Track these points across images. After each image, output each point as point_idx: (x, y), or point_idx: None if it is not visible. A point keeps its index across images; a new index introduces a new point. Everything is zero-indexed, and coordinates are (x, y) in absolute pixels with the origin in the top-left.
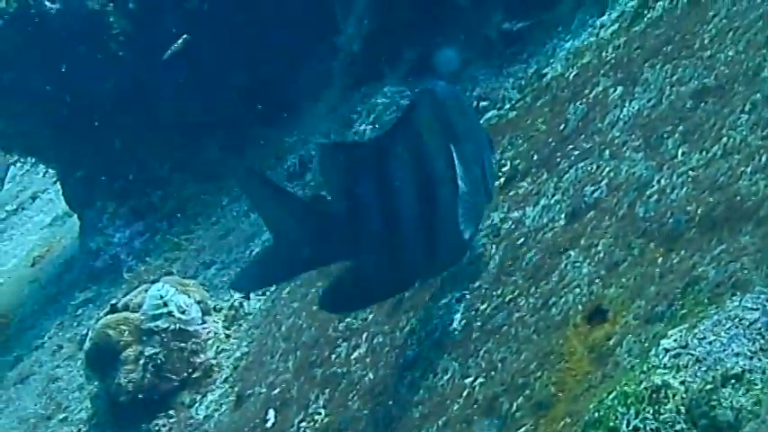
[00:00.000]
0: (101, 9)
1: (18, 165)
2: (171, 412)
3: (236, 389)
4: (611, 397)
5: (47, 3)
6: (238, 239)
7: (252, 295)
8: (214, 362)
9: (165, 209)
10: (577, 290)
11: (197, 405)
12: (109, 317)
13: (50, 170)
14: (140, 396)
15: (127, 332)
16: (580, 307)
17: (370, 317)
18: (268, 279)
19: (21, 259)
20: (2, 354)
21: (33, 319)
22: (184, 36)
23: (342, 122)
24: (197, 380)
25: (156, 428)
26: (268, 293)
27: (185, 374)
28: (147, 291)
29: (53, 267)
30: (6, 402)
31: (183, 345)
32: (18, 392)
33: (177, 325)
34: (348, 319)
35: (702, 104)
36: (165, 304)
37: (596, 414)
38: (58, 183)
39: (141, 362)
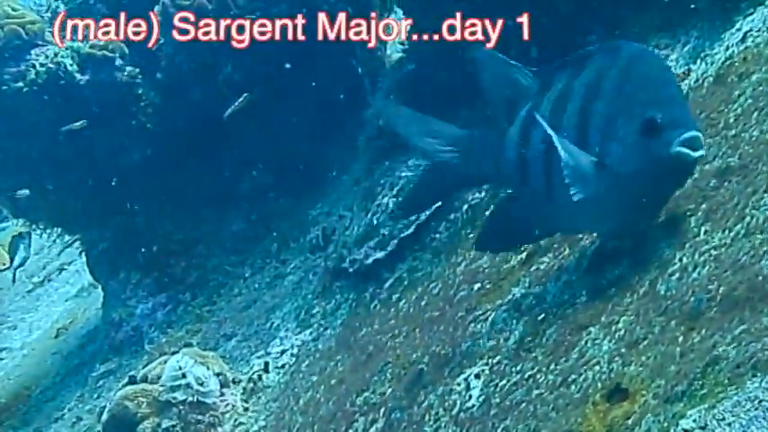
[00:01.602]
0: (130, 80)
1: (45, 236)
2: None
3: None
4: None
5: (76, 75)
6: (259, 311)
7: (271, 368)
8: None
9: (189, 280)
10: (597, 367)
11: None
12: (127, 388)
13: (76, 242)
14: None
15: (145, 404)
16: (599, 385)
17: (389, 391)
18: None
19: (45, 330)
20: (21, 426)
21: (54, 391)
22: (246, 95)
23: (365, 195)
24: None
25: None
26: (287, 367)
27: None
28: (166, 362)
29: (76, 339)
30: None
31: (200, 417)
32: None
33: (195, 397)
34: (366, 394)
35: (726, 183)
36: (184, 376)
37: None
38: (83, 254)
39: None
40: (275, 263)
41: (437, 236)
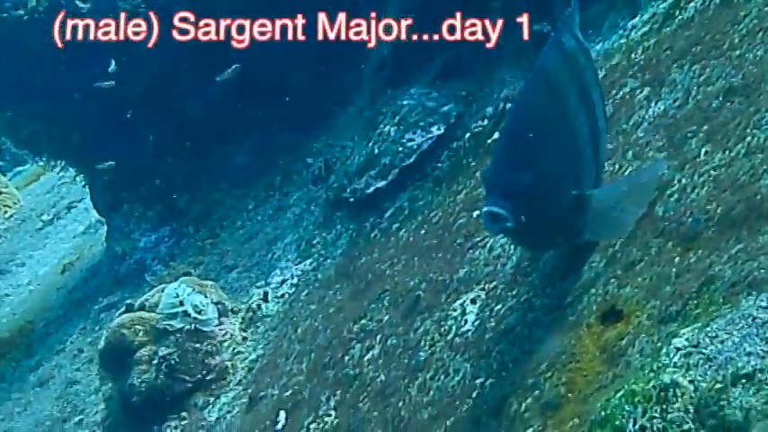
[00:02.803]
0: (132, 9)
1: (53, 172)
2: (183, 414)
3: (249, 391)
4: (618, 396)
5: (78, 2)
6: (261, 243)
7: (270, 297)
8: (229, 364)
9: (192, 213)
10: (593, 290)
11: (210, 407)
12: (124, 316)
13: (80, 175)
14: (153, 397)
15: (142, 332)
16: (594, 307)
17: (385, 318)
18: None
19: (52, 267)
20: (24, 358)
21: (57, 325)
22: (236, 66)
23: (366, 124)
24: (211, 381)
25: (168, 430)
26: (287, 296)
27: (199, 376)
28: (163, 291)
29: (80, 273)
30: (25, 406)
31: (197, 345)
32: (37, 396)
33: (193, 325)
34: (363, 321)
35: (728, 104)
36: (182, 303)
37: (603, 413)
38: (87, 187)
39: (155, 362)
40: (278, 195)
41: (439, 165)
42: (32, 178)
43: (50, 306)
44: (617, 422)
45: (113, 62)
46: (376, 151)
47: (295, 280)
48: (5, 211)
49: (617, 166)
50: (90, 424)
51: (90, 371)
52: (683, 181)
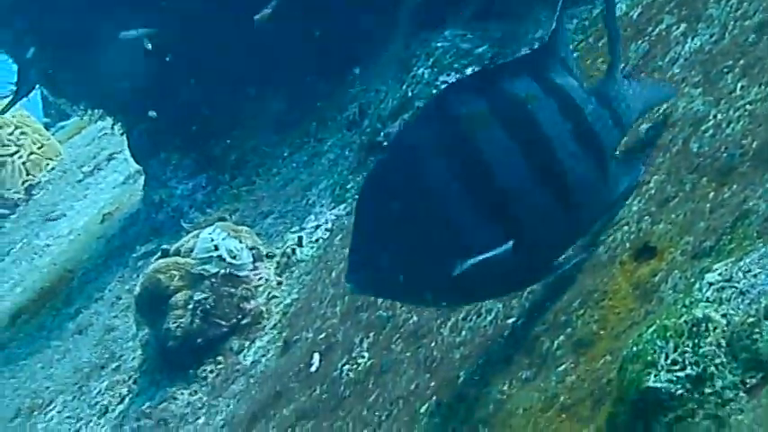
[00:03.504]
0: None
1: (94, 125)
2: (219, 358)
3: (283, 335)
4: (650, 331)
5: None
6: (296, 189)
7: (305, 242)
8: (264, 308)
9: (228, 161)
10: (626, 227)
11: (245, 351)
12: (159, 261)
13: (117, 124)
14: (188, 341)
15: (177, 276)
16: (628, 245)
17: None
18: None
19: (91, 217)
20: (64, 307)
21: (96, 273)
22: (273, 2)
23: (400, 67)
24: (246, 326)
25: (204, 374)
26: (321, 241)
27: (234, 320)
28: (198, 236)
29: (119, 222)
30: (63, 353)
31: (233, 290)
32: (75, 343)
33: (228, 269)
34: None
35: (765, 38)
36: (216, 248)
37: (635, 348)
38: (124, 135)
39: (190, 307)
40: (313, 141)
41: None
42: (74, 132)
43: (90, 255)
44: (648, 357)
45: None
46: (410, 94)
47: (329, 225)
48: (47, 164)
49: None
50: (127, 369)
51: (128, 318)
52: (719, 116)
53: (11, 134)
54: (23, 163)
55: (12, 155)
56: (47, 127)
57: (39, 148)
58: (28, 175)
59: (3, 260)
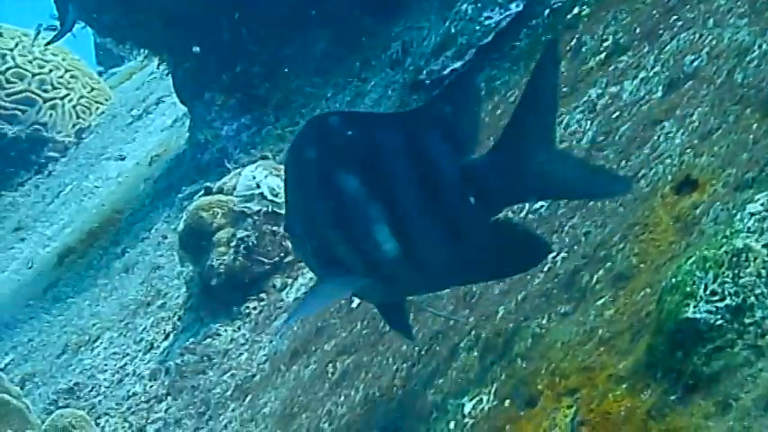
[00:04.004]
0: None
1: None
2: (262, 295)
3: None
4: (689, 262)
5: None
6: None
7: None
8: None
9: (272, 101)
10: (668, 160)
11: (287, 288)
12: (202, 199)
13: (162, 63)
14: (232, 279)
15: (220, 214)
16: (669, 177)
17: None
18: None
19: (140, 159)
20: (111, 246)
21: (143, 213)
22: None
23: (443, 3)
24: (288, 264)
25: (247, 311)
26: None
27: (277, 258)
28: (240, 174)
29: (166, 164)
30: (110, 291)
31: (275, 228)
32: (122, 281)
33: (270, 207)
34: None
35: None
36: (258, 186)
37: (674, 280)
38: (169, 75)
39: (233, 244)
40: (357, 81)
41: (517, 43)
42: (125, 77)
43: (137, 196)
44: (687, 288)
45: None
46: (452, 31)
47: None
48: (97, 108)
49: (697, 36)
50: (172, 306)
51: (173, 256)
52: (764, 47)
53: (61, 77)
54: (74, 106)
55: (62, 98)
56: (99, 74)
57: (89, 92)
58: (78, 118)
59: (53, 202)
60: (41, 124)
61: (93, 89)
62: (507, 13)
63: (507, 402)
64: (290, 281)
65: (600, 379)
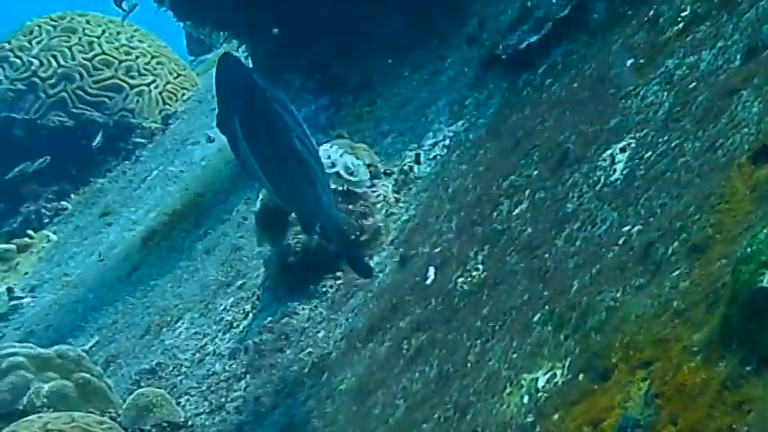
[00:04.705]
0: None
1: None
2: (338, 274)
3: (400, 250)
4: (765, 232)
5: None
6: (415, 107)
7: (422, 159)
8: (382, 225)
9: (350, 82)
10: (745, 129)
11: None
12: None
13: (242, 46)
14: (308, 257)
15: None
16: (746, 146)
17: (534, 173)
18: None
19: (224, 144)
20: (193, 229)
21: (225, 196)
22: None
23: None
24: (365, 242)
25: (324, 289)
26: (438, 158)
27: (353, 237)
28: None
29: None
30: (192, 273)
31: (351, 207)
32: (203, 262)
33: (345, 186)
34: (512, 177)
35: None
36: (333, 165)
37: (748, 249)
38: (248, 58)
39: None
40: (434, 60)
41: (594, 16)
42: (212, 65)
43: (219, 179)
44: (762, 257)
45: None
46: (529, 4)
47: (447, 141)
48: (183, 94)
49: None
50: (251, 286)
51: (253, 238)
52: None
53: (147, 63)
54: (160, 92)
55: (149, 84)
56: (190, 63)
57: (175, 78)
58: (164, 104)
59: (139, 188)
60: (129, 110)
61: (179, 75)
62: None
63: (581, 376)
64: (366, 259)
65: (674, 351)
